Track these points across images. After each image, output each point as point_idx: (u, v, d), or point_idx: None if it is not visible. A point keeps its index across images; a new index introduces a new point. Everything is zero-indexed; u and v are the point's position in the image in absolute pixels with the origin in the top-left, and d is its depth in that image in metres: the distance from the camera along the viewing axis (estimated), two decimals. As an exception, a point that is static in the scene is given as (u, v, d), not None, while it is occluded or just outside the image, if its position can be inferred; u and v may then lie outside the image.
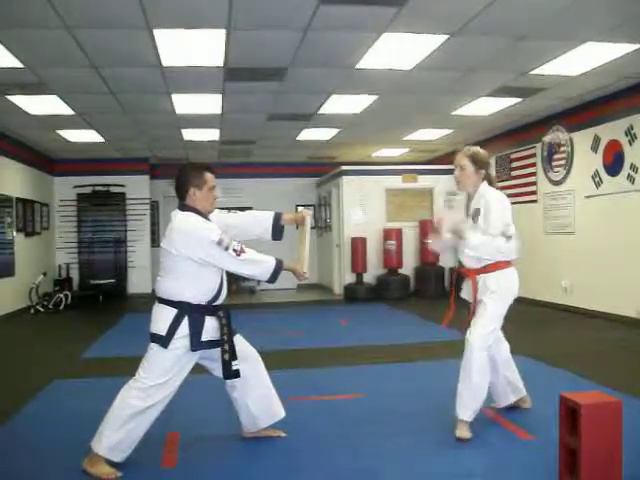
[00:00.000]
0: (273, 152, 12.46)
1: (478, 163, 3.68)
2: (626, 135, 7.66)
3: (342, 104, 8.21)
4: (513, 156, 10.41)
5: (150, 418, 3.18)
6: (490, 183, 3.73)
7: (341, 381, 5.12)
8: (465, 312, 3.83)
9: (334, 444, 3.55)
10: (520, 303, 10.19)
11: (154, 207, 13.32)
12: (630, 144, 7.60)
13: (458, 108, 8.64)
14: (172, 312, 3.17)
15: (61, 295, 10.60)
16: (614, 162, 7.89)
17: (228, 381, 3.38)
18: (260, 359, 3.53)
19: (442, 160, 12.61)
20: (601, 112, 8.10)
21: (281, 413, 3.57)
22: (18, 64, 5.99)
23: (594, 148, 8.29)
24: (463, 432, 3.53)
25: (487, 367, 3.59)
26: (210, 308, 3.26)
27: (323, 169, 13.30)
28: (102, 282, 11.93)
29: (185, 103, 7.91)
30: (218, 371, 3.33)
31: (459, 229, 3.61)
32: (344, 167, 12.02)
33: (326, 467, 3.23)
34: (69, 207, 12.45)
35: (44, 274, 10.90)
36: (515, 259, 3.64)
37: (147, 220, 12.87)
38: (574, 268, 8.78)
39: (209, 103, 7.97)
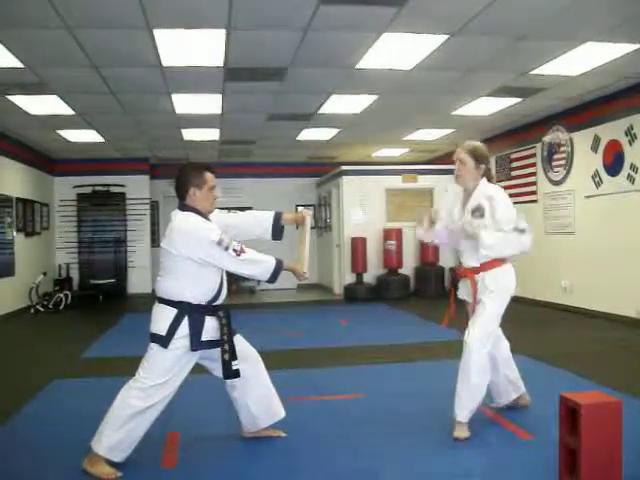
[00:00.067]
0: (273, 152, 12.46)
1: (478, 158, 3.66)
2: (626, 135, 7.66)
3: (342, 104, 8.21)
4: (513, 156, 10.41)
5: (150, 418, 3.18)
6: (489, 179, 3.72)
7: (341, 381, 5.12)
8: (464, 312, 3.83)
9: (334, 444, 3.55)
10: (520, 303, 10.16)
11: (154, 207, 13.32)
12: (630, 144, 7.60)
13: (458, 108, 8.64)
14: (172, 312, 3.17)
15: (61, 295, 10.61)
16: (614, 162, 7.89)
17: (228, 381, 3.38)
18: (260, 359, 3.53)
19: (442, 160, 12.60)
20: (601, 112, 8.10)
21: (281, 413, 3.57)
22: (18, 64, 5.99)
23: (594, 148, 8.29)
24: (461, 432, 3.53)
25: (486, 368, 3.59)
26: (210, 308, 3.26)
27: (323, 169, 13.30)
28: (102, 282, 11.93)
29: (185, 103, 7.91)
30: (218, 371, 3.33)
31: (473, 230, 3.53)
32: (344, 167, 12.03)
33: (326, 467, 3.23)
34: (69, 207, 12.45)
35: (44, 274, 10.90)
36: (526, 253, 3.59)
37: (147, 220, 12.87)
38: (574, 268, 8.78)
39: (209, 103, 7.97)
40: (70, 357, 6.28)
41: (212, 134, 10.23)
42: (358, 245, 11.43)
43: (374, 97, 7.91)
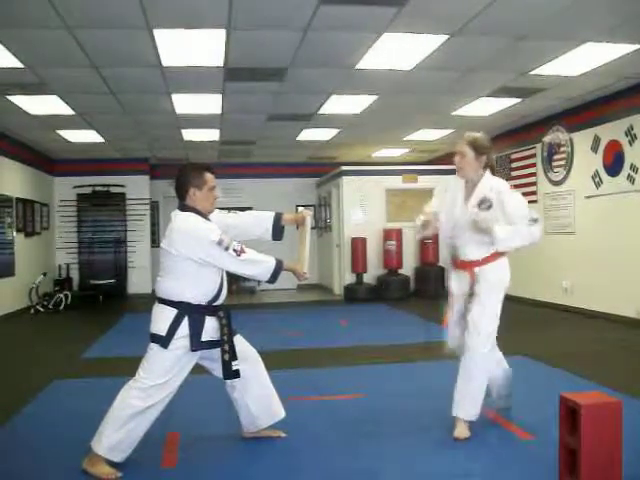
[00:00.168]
0: (273, 152, 12.46)
1: (478, 149, 3.59)
2: (626, 135, 7.66)
3: (342, 104, 8.21)
4: (513, 156, 10.41)
5: (150, 418, 3.18)
6: (492, 171, 3.65)
7: (341, 381, 5.12)
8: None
9: (334, 444, 3.55)
10: (520, 303, 10.13)
11: (154, 207, 13.32)
12: (630, 144, 7.60)
13: (458, 108, 8.64)
14: (172, 312, 3.17)
15: (61, 295, 10.60)
16: (614, 162, 7.89)
17: (228, 381, 3.38)
18: (260, 359, 3.53)
19: (442, 160, 12.60)
20: (601, 112, 8.10)
21: (281, 413, 3.57)
22: (18, 64, 5.99)
23: (594, 148, 8.29)
24: (461, 431, 3.53)
25: (488, 368, 3.59)
26: (210, 308, 3.26)
27: (323, 169, 13.30)
28: (102, 282, 11.93)
29: (185, 103, 7.91)
30: (218, 371, 3.33)
31: (487, 225, 3.43)
32: (344, 167, 12.03)
33: (326, 467, 3.23)
34: (69, 207, 12.45)
35: (44, 274, 10.90)
36: (536, 244, 3.54)
37: (147, 220, 12.87)
38: (574, 268, 8.78)
39: (209, 103, 7.97)
40: (70, 357, 6.28)
41: (212, 134, 10.23)
42: (358, 245, 11.43)
43: (374, 97, 7.91)
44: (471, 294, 3.60)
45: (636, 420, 3.41)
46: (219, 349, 3.24)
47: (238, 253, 3.13)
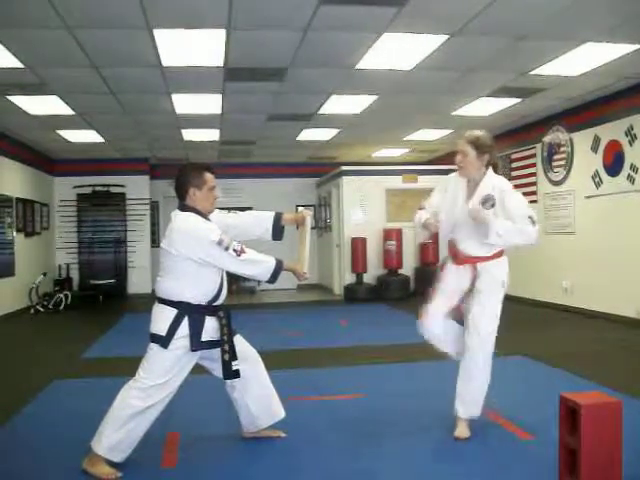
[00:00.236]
0: (273, 152, 12.46)
1: (480, 147, 3.54)
2: (626, 135, 7.66)
3: (342, 104, 8.21)
4: (513, 156, 10.41)
5: (150, 418, 3.18)
6: (495, 169, 3.61)
7: (341, 381, 5.12)
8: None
9: (334, 444, 3.55)
10: (520, 303, 10.12)
11: (154, 207, 13.32)
12: (630, 144, 7.60)
13: (458, 108, 8.64)
14: (172, 312, 3.17)
15: (61, 295, 10.60)
16: (614, 162, 7.89)
17: (228, 381, 3.38)
18: (260, 359, 3.53)
19: (442, 160, 12.60)
20: (601, 112, 8.10)
21: (281, 413, 3.57)
22: (18, 64, 5.99)
23: (594, 148, 8.29)
24: (462, 431, 3.53)
25: (489, 368, 3.58)
26: (210, 308, 3.26)
27: (323, 169, 13.30)
28: (102, 282, 11.93)
29: (185, 103, 7.91)
30: (218, 371, 3.33)
31: (484, 216, 3.40)
32: (344, 167, 12.02)
33: (326, 467, 3.23)
34: (69, 207, 12.45)
35: (44, 274, 10.90)
36: (533, 245, 3.51)
37: (147, 220, 12.87)
38: (574, 268, 8.78)
39: (209, 103, 7.97)
40: (70, 357, 6.28)
41: (212, 134, 10.23)
42: (358, 245, 11.43)
43: (374, 97, 7.91)
44: (471, 289, 3.57)
45: (636, 420, 3.41)
46: (219, 349, 3.24)
47: (238, 253, 3.13)
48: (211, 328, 3.23)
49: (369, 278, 11.55)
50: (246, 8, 4.88)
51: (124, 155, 12.23)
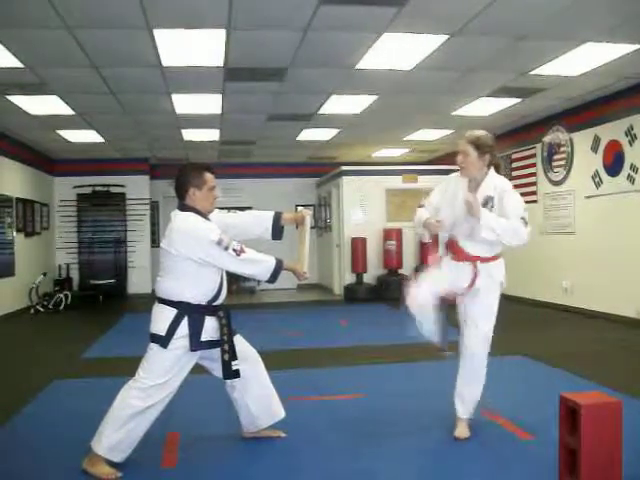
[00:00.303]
0: (273, 152, 12.46)
1: (481, 148, 3.51)
2: (626, 135, 7.66)
3: (342, 104, 8.21)
4: (513, 156, 10.41)
5: (150, 418, 3.18)
6: (497, 169, 3.59)
7: (341, 381, 5.12)
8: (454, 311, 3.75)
9: (334, 444, 3.55)
10: (520, 303, 10.09)
11: (154, 207, 13.32)
12: (630, 144, 7.60)
13: (458, 108, 8.64)
14: (172, 312, 3.17)
15: (61, 295, 10.60)
16: (614, 162, 7.89)
17: (228, 381, 3.38)
18: (260, 359, 3.53)
19: (442, 160, 12.60)
20: (601, 112, 8.10)
21: (281, 413, 3.56)
22: (18, 64, 5.99)
23: (594, 148, 8.29)
24: (462, 431, 3.54)
25: (485, 367, 3.59)
26: (210, 308, 3.25)
27: (323, 169, 13.30)
28: (102, 282, 11.93)
29: (185, 103, 7.91)
30: (218, 371, 3.33)
31: (477, 206, 3.34)
32: (344, 167, 12.02)
33: (326, 467, 3.23)
34: (69, 207, 12.45)
35: (44, 274, 10.90)
36: (522, 245, 3.48)
37: (147, 220, 12.87)
38: (574, 268, 8.78)
39: (209, 103, 7.97)
40: (70, 357, 6.28)
41: (212, 134, 10.23)
42: (358, 245, 11.43)
43: (374, 97, 7.91)
44: (469, 287, 3.53)
45: (636, 420, 3.41)
46: (219, 349, 3.24)
47: (238, 253, 3.13)
48: (211, 328, 3.23)
49: (369, 278, 11.55)
50: (246, 8, 4.88)
51: (124, 155, 12.23)
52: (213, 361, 3.33)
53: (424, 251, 11.50)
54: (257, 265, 3.21)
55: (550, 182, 9.42)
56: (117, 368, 4.98)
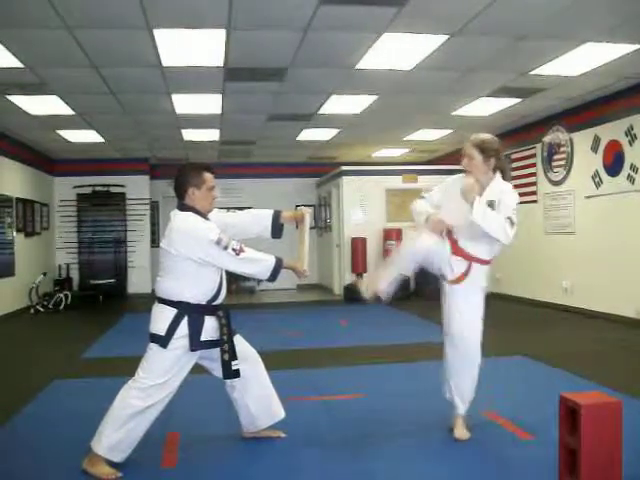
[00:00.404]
0: (273, 152, 12.46)
1: (486, 151, 3.49)
2: (626, 135, 7.66)
3: (342, 104, 8.21)
4: (513, 156, 10.40)
5: (150, 418, 3.18)
6: (503, 175, 3.57)
7: (341, 381, 5.12)
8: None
9: (334, 444, 3.55)
10: (520, 303, 10.10)
11: (154, 207, 13.32)
12: (630, 144, 7.60)
13: (458, 108, 8.64)
14: (172, 312, 3.17)
15: (61, 295, 10.60)
16: (614, 162, 7.88)
17: (228, 381, 3.38)
18: (260, 359, 3.53)
19: (442, 160, 12.61)
20: (601, 112, 8.10)
21: (281, 413, 3.56)
22: (18, 64, 5.99)
23: (594, 148, 8.29)
24: (462, 432, 3.54)
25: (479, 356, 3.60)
26: (210, 308, 3.26)
27: (323, 169, 13.30)
28: (102, 282, 11.93)
29: (185, 103, 7.91)
30: (218, 371, 3.33)
31: (472, 193, 3.36)
32: (344, 167, 12.02)
33: (326, 467, 3.23)
34: (69, 207, 12.45)
35: (44, 274, 10.90)
36: (506, 245, 3.48)
37: (147, 220, 12.87)
38: (574, 268, 8.78)
39: (209, 103, 7.97)
40: (70, 357, 6.28)
41: (212, 134, 10.23)
42: (358, 245, 11.43)
43: (374, 97, 7.91)
44: (459, 279, 3.56)
45: (636, 420, 3.41)
46: (219, 349, 3.24)
47: (237, 252, 3.13)
48: (210, 328, 3.23)
49: (369, 278, 11.55)
50: (246, 8, 4.88)
51: (124, 155, 12.23)
52: (213, 361, 3.33)
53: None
54: (257, 264, 3.21)
55: (550, 182, 9.42)
56: (117, 368, 4.98)
